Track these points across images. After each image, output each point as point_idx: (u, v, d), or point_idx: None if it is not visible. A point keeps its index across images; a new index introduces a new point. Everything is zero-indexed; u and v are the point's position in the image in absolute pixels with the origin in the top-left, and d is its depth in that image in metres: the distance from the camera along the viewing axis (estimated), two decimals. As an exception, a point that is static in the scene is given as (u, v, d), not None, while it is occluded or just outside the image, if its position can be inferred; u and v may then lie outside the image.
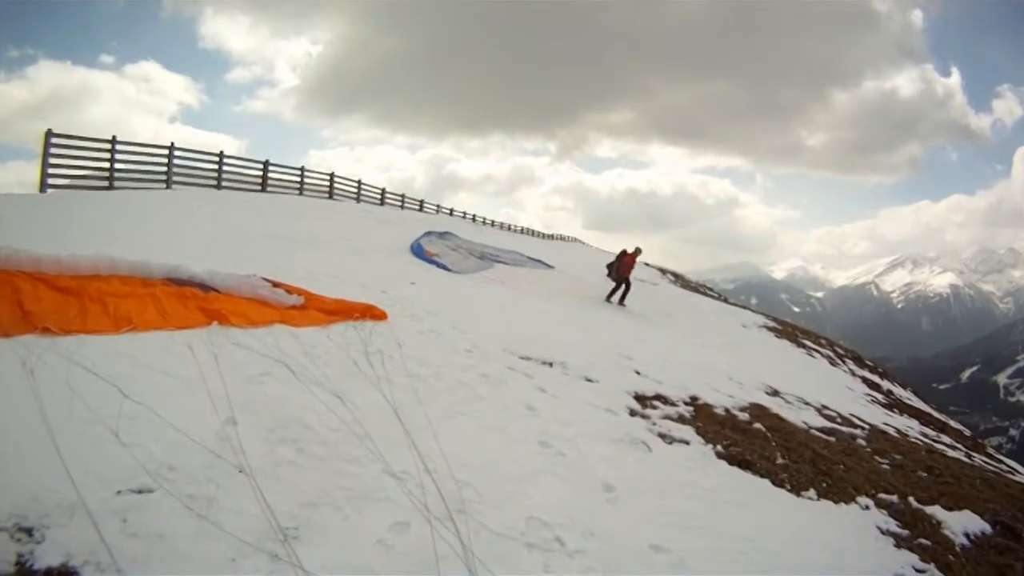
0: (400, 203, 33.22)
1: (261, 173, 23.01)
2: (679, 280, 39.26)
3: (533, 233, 52.37)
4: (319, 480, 3.76)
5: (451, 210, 40.45)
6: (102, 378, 4.20)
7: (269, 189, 23.00)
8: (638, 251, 15.97)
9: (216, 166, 20.53)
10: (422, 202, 35.83)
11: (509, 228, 46.58)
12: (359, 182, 29.16)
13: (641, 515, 4.52)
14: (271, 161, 23.24)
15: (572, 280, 19.07)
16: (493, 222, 45.10)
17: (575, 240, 63.82)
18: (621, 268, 15.85)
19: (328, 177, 27.01)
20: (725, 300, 39.87)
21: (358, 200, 28.89)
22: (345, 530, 3.37)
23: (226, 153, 20.44)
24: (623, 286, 15.97)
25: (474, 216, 42.64)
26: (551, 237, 55.73)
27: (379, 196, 31.34)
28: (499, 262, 18.06)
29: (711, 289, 46.26)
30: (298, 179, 25.03)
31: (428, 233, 19.15)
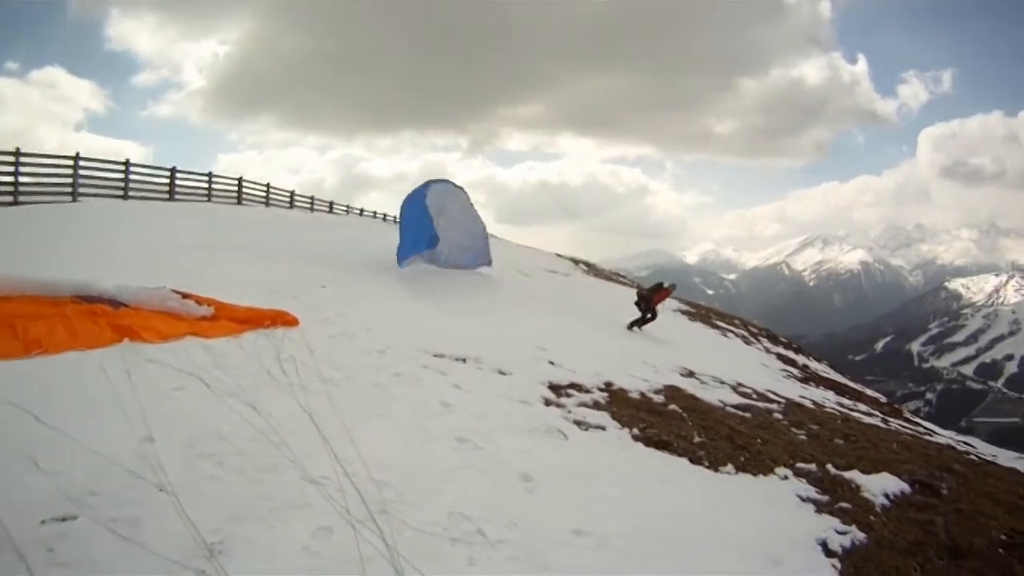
0: (310, 206, 36.15)
1: (168, 181, 24.67)
2: (592, 270, 41.40)
3: None
4: (240, 492, 4.09)
5: (361, 210, 43.96)
6: (16, 405, 4.49)
7: (177, 197, 24.71)
8: (673, 286, 18.20)
9: (123, 175, 22.16)
10: (331, 203, 39.24)
11: None
12: (268, 186, 31.76)
13: (561, 502, 5.06)
14: (178, 168, 25.16)
15: (485, 276, 20.13)
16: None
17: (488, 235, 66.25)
18: (654, 301, 17.45)
19: (236, 182, 29.29)
20: (639, 287, 42.16)
21: (267, 204, 31.40)
22: (269, 540, 3.70)
23: (132, 161, 22.53)
24: (649, 315, 17.40)
25: (384, 215, 45.60)
26: None
27: (288, 199, 34.09)
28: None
29: (624, 277, 49.23)
30: (206, 185, 27.12)
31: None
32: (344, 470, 4.56)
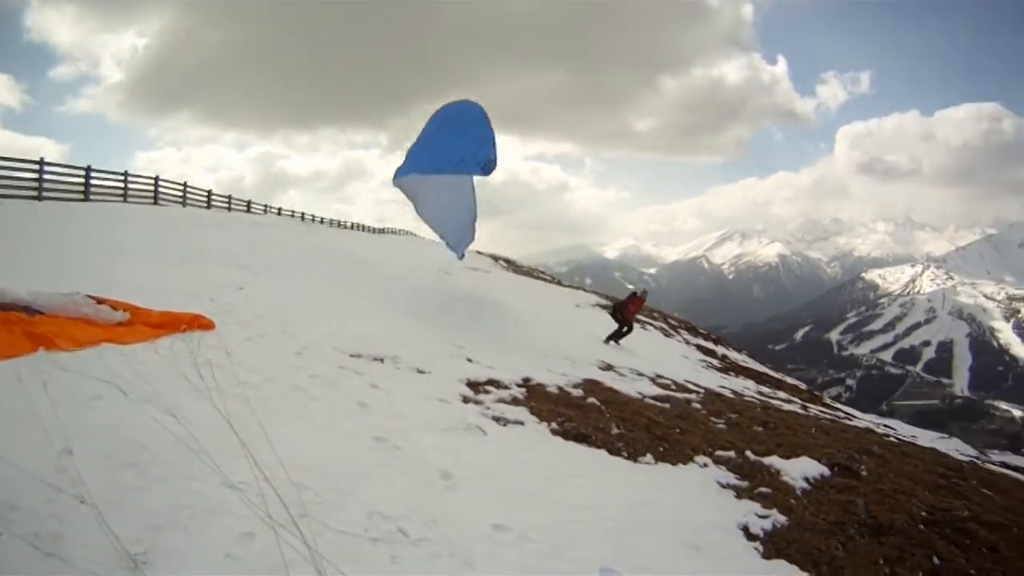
0: (227, 205, 36.95)
1: (83, 181, 24.40)
2: (512, 266, 42.79)
3: (364, 228, 57.54)
4: (161, 501, 4.13)
5: (279, 209, 45.30)
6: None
7: (92, 197, 24.58)
8: (645, 293, 18.33)
9: (36, 175, 21.66)
10: (249, 203, 39.92)
11: (339, 224, 52.66)
12: (185, 185, 32.21)
13: (481, 498, 5.25)
14: (93, 166, 24.89)
15: (407, 275, 20.58)
16: (323, 219, 50.73)
17: (407, 233, 69.91)
18: (630, 311, 17.62)
19: (152, 181, 29.60)
20: (559, 283, 44.58)
21: (184, 204, 31.84)
22: (192, 548, 3.75)
23: (48, 159, 21.87)
24: (626, 328, 17.55)
25: (303, 214, 47.56)
26: (382, 231, 61.79)
27: (206, 199, 34.63)
28: None
29: (544, 273, 51.01)
30: (122, 185, 27.34)
31: None
32: (264, 474, 4.64)
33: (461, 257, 17.13)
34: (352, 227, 55.59)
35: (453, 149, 14.92)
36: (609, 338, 17.26)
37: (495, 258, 44.52)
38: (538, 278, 38.33)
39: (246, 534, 3.96)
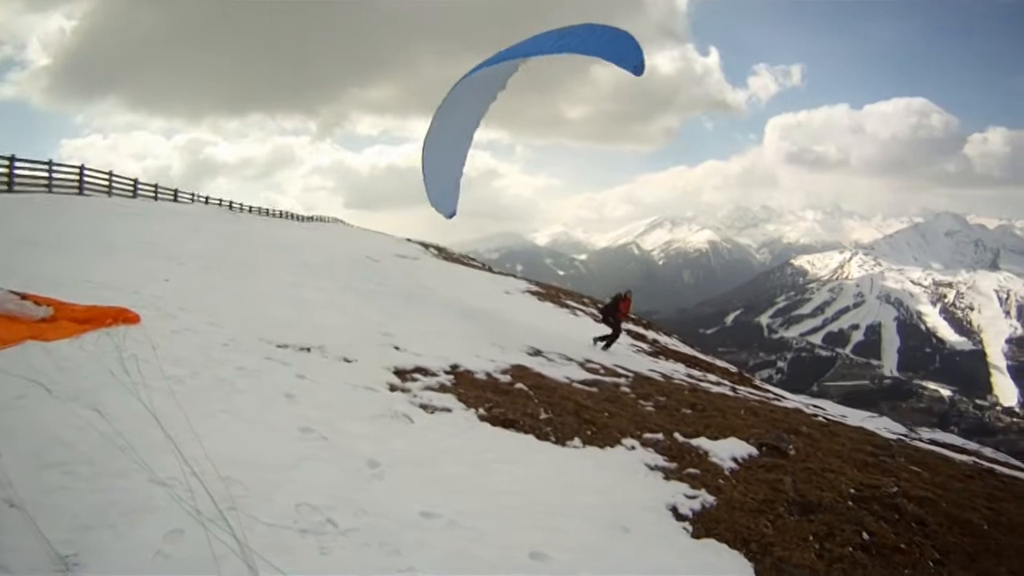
0: (154, 194, 36.87)
1: (7, 170, 24.01)
2: (442, 253, 43.34)
3: (293, 216, 57.78)
4: (90, 500, 4.09)
5: (207, 198, 45.22)
6: None
7: (16, 188, 24.31)
8: (630, 292, 17.89)
9: None
10: (176, 192, 39.93)
11: (268, 213, 53.14)
12: (111, 174, 32.02)
13: (408, 486, 5.30)
14: (17, 156, 24.46)
15: (333, 264, 20.61)
16: (252, 208, 51.07)
17: (336, 221, 70.83)
18: (619, 313, 17.16)
19: (78, 171, 29.32)
20: (490, 269, 45.06)
21: (110, 194, 31.66)
22: (122, 547, 3.73)
23: None
24: (615, 332, 17.13)
25: (231, 203, 47.72)
26: (311, 219, 62.06)
27: (132, 188, 34.53)
28: None
29: (475, 260, 51.79)
30: (46, 175, 27.01)
31: None
32: (191, 469, 4.66)
33: (450, 216, 16.55)
34: (281, 215, 55.63)
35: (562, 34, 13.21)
36: (600, 341, 17.05)
37: (425, 245, 44.82)
38: (468, 265, 38.77)
39: (176, 530, 3.95)
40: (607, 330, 17.16)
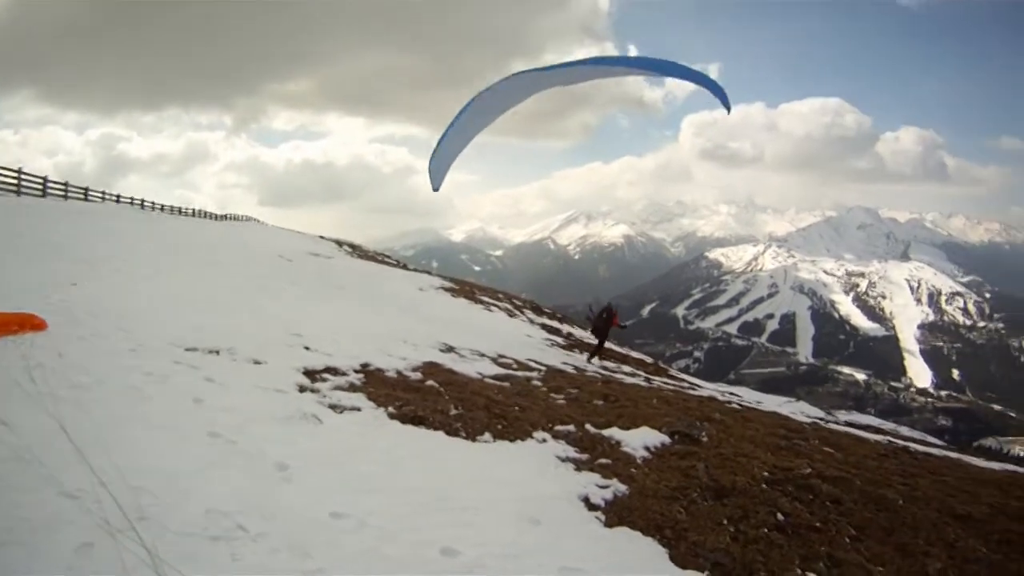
0: (64, 193, 35.39)
1: None
2: (357, 251, 43.31)
3: (207, 215, 56.88)
4: None
5: (118, 197, 43.45)
6: None
7: None
8: (614, 306, 18.80)
9: None
10: (87, 190, 38.50)
11: (181, 212, 52.70)
12: (19, 172, 31.15)
13: (318, 487, 5.30)
14: None
15: (245, 263, 20.47)
16: (164, 207, 49.83)
17: (250, 219, 70.47)
18: (608, 327, 18.24)
19: None
20: (405, 267, 45.22)
21: (19, 193, 30.51)
22: (33, 563, 3.71)
23: None
24: (601, 343, 18.30)
25: (143, 202, 46.73)
26: (224, 218, 61.34)
27: (41, 187, 33.09)
28: None
29: (390, 257, 51.93)
30: None
31: None
32: (100, 480, 4.58)
33: (435, 189, 16.40)
34: (194, 214, 54.94)
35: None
36: (592, 355, 17.87)
37: (339, 243, 44.67)
38: (383, 263, 38.90)
39: (86, 544, 3.90)
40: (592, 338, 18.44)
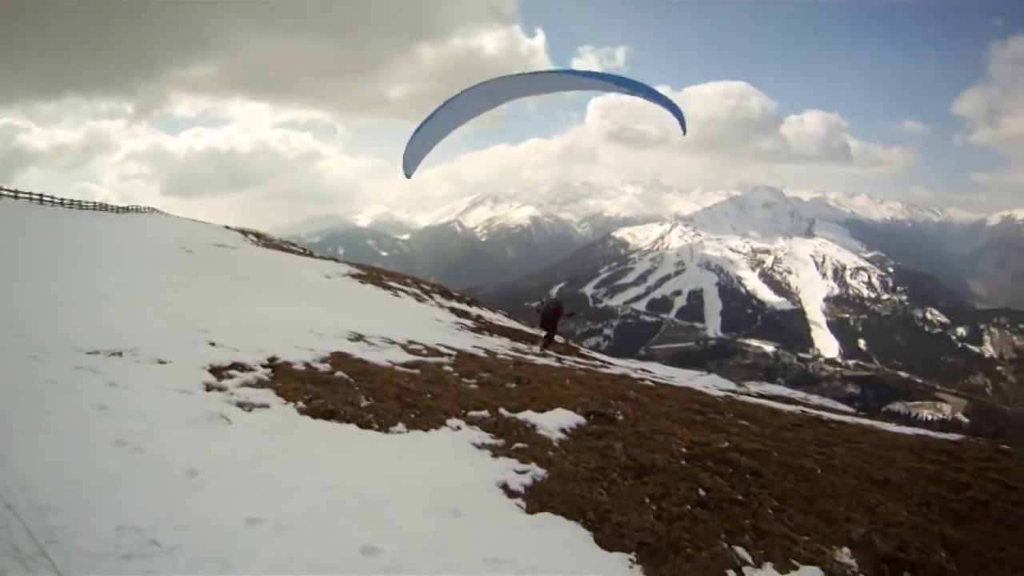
0: None
1: None
2: (262, 240, 42.74)
3: (108, 208, 55.50)
4: None
5: (16, 192, 42.32)
6: None
7: None
8: (561, 301, 20.13)
9: None
10: None
11: (81, 205, 51.27)
12: None
13: (230, 492, 5.14)
14: None
15: (148, 257, 20.15)
16: (63, 201, 47.82)
17: (153, 211, 68.90)
18: (557, 318, 19.89)
19: None
20: (311, 254, 44.62)
21: None
22: None
23: None
24: (551, 335, 19.99)
25: (42, 196, 45.21)
26: (126, 210, 59.56)
27: None
28: None
29: (296, 245, 51.33)
30: None
31: None
32: (5, 502, 4.41)
33: (408, 176, 16.58)
34: (95, 207, 53.63)
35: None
36: (545, 347, 19.04)
37: (244, 232, 43.93)
38: (289, 251, 38.56)
39: None
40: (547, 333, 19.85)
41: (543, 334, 19.90)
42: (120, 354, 8.62)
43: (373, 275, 29.83)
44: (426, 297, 26.65)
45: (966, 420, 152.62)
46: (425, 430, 7.27)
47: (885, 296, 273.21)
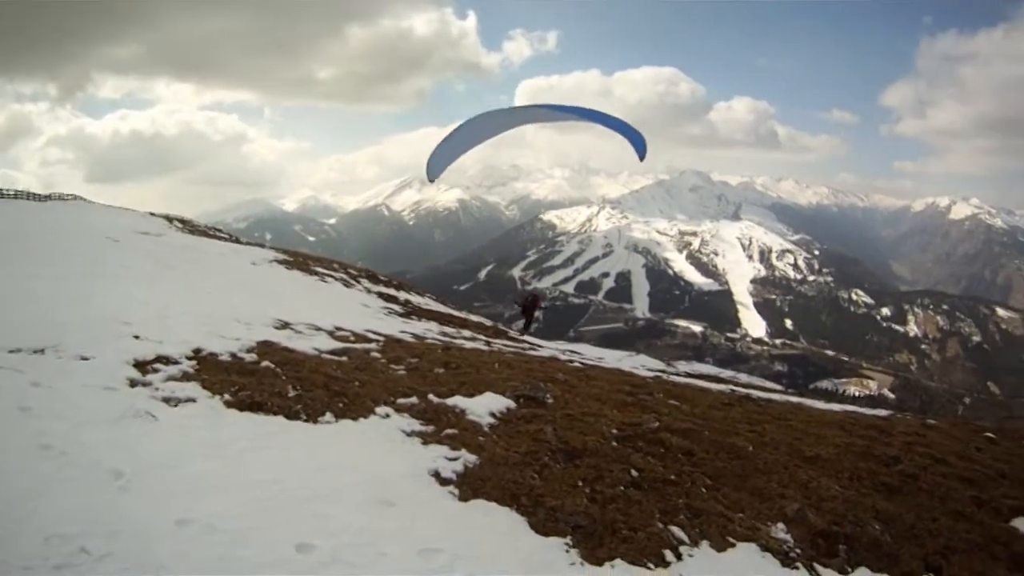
0: None
1: None
2: (187, 227, 41.85)
3: (29, 196, 53.70)
4: None
5: None
6: None
7: None
8: (538, 292, 23.01)
9: None
10: None
11: (1, 194, 49.53)
12: None
13: (159, 493, 5.01)
14: None
15: (68, 247, 19.44)
16: None
17: (76, 198, 65.74)
18: (534, 308, 23.94)
19: None
20: (237, 240, 43.66)
21: None
22: None
23: None
24: (529, 321, 23.83)
25: None
26: (48, 198, 57.40)
27: None
28: None
29: (222, 231, 50.37)
30: None
31: None
32: None
33: (431, 180, 16.94)
34: (16, 196, 52.01)
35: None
36: (524, 331, 22.73)
37: (169, 219, 42.95)
38: (215, 238, 37.73)
39: None
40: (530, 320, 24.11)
41: (523, 321, 23.50)
42: (43, 351, 8.22)
43: (299, 261, 29.37)
44: (353, 282, 26.50)
45: (892, 396, 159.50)
46: (354, 419, 7.18)
47: (811, 278, 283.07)
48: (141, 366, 8.13)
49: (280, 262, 27.01)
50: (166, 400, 7.05)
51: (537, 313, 25.45)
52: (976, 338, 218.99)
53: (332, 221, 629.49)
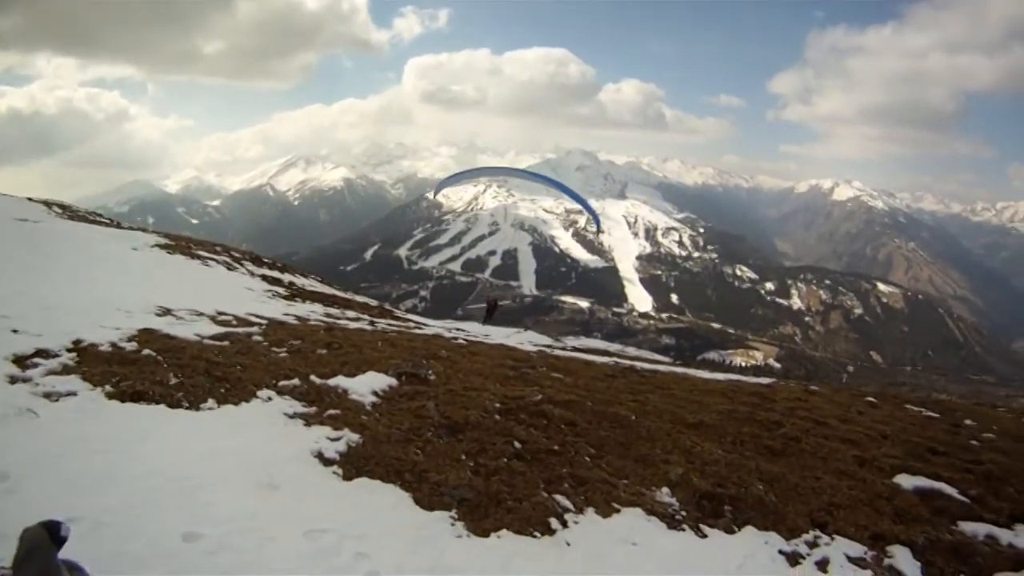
0: None
1: None
2: (67, 212, 39.36)
3: None
4: None
5: None
6: None
7: None
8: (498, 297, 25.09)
9: None
10: None
11: None
12: None
13: (44, 493, 4.88)
14: None
15: None
16: None
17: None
18: (495, 309, 26.95)
19: None
20: (119, 225, 41.55)
21: None
22: None
23: None
24: (493, 311, 26.53)
25: None
26: None
27: None
28: None
29: (103, 216, 47.88)
30: None
31: None
32: None
33: (434, 195, 18.91)
34: None
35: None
36: (486, 320, 25.01)
37: (48, 204, 40.43)
38: (96, 222, 35.91)
39: None
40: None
41: (485, 315, 26.03)
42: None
43: (182, 245, 28.46)
44: (237, 265, 25.94)
45: (779, 366, 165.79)
46: (236, 404, 7.08)
47: (696, 254, 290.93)
48: (20, 361, 7.77)
49: (162, 247, 26.18)
50: (47, 395, 6.81)
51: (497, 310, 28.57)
52: (858, 311, 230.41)
53: (216, 203, 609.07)
